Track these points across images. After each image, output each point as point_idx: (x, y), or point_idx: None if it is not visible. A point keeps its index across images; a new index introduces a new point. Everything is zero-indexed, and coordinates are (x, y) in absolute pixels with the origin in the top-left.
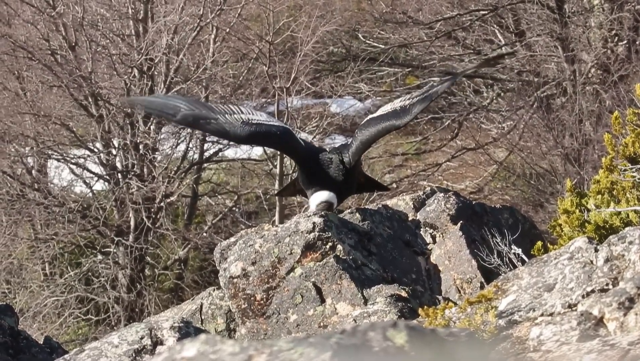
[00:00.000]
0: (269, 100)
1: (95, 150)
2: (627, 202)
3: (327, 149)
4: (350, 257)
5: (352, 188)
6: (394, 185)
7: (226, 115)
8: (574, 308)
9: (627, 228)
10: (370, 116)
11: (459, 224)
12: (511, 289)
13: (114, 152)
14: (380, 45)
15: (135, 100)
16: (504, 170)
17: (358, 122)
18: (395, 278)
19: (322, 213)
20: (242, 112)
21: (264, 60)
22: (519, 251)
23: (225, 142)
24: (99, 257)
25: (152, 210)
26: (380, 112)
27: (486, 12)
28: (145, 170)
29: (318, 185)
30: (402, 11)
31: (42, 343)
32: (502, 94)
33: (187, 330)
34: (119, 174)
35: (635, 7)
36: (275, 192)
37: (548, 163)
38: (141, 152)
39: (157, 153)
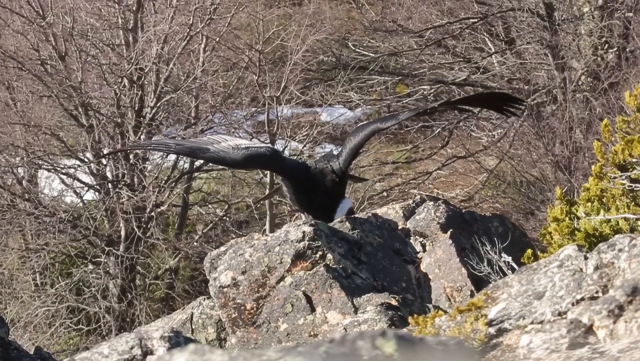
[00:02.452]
0: (259, 109)
1: (86, 160)
2: (617, 210)
3: (310, 161)
4: (341, 266)
5: (344, 194)
6: (385, 194)
7: (215, 145)
8: (563, 316)
9: (616, 236)
10: (360, 124)
11: (448, 232)
12: (501, 297)
13: (104, 161)
14: (370, 54)
15: (142, 144)
16: (495, 178)
17: (348, 130)
18: (386, 287)
19: (312, 222)
20: (227, 140)
21: (254, 69)
22: (509, 259)
23: None
24: (90, 266)
25: (143, 219)
26: (369, 121)
27: (476, 20)
28: (135, 179)
29: (313, 200)
30: (391, 20)
31: (33, 353)
32: None
33: (177, 340)
34: (110, 184)
35: (625, 14)
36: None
37: (538, 171)
38: (131, 161)
39: (147, 162)
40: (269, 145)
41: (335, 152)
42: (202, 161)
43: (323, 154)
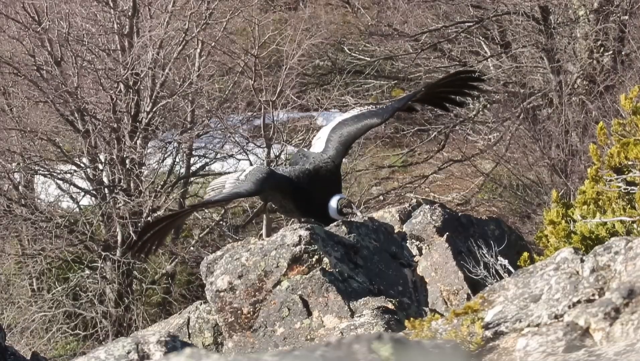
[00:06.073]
0: (255, 113)
1: (82, 165)
2: (613, 213)
3: (300, 166)
4: (337, 270)
5: (340, 188)
6: (381, 197)
7: (224, 190)
8: (560, 319)
9: (612, 239)
10: (341, 118)
11: (445, 236)
12: (497, 300)
13: (100, 167)
14: (366, 58)
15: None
16: (491, 182)
17: None
18: (382, 291)
19: (308, 226)
20: (227, 179)
21: (250, 74)
22: (505, 262)
23: (212, 155)
24: (87, 271)
25: (139, 224)
26: (351, 114)
27: (472, 23)
28: (132, 184)
29: (312, 203)
30: (387, 24)
31: (29, 358)
32: (488, 106)
33: (173, 344)
34: (106, 189)
35: (621, 17)
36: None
37: (535, 174)
38: (128, 166)
39: (143, 167)
40: (258, 165)
41: (318, 149)
42: (198, 165)
43: (303, 153)
